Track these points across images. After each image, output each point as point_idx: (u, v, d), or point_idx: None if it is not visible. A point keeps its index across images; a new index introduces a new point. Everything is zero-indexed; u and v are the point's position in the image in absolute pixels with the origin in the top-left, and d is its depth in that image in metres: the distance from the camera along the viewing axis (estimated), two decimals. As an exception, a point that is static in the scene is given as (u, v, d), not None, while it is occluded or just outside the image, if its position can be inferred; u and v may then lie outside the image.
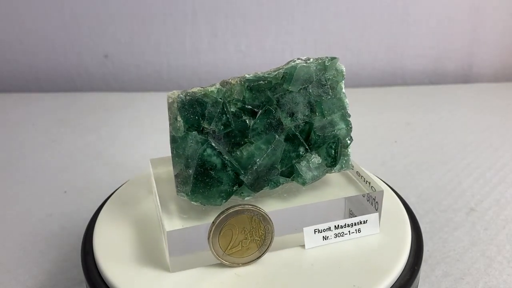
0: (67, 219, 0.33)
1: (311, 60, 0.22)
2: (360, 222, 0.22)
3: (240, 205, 0.20)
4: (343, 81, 0.23)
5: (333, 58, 0.23)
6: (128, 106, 0.56)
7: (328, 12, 0.61)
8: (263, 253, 0.21)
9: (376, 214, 0.23)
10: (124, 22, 0.61)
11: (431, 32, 0.62)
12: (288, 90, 0.22)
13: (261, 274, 0.21)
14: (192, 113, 0.21)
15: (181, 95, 0.21)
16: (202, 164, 0.20)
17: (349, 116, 0.23)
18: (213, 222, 0.20)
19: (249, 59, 0.63)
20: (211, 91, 0.21)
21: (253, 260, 0.21)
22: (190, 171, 0.21)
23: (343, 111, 0.23)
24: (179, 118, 0.21)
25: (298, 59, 0.22)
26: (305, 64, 0.22)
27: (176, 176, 0.21)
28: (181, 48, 0.62)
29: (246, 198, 0.22)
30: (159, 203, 0.22)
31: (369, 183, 0.23)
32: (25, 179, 0.39)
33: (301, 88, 0.22)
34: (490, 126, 0.48)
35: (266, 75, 0.21)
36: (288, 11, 0.61)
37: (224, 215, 0.20)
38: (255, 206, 0.20)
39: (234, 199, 0.22)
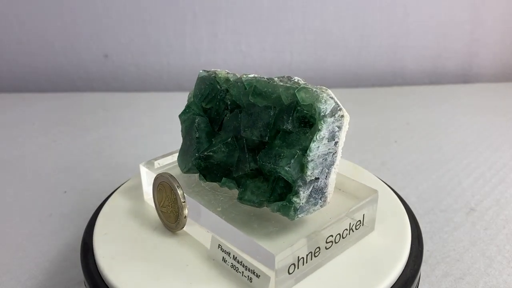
0: (67, 219, 0.33)
1: (303, 85, 0.20)
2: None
3: (167, 175, 0.23)
4: (323, 125, 0.18)
5: (314, 91, 0.19)
6: (128, 106, 0.56)
7: (328, 12, 0.61)
8: (177, 230, 0.23)
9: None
10: (124, 22, 0.61)
11: (431, 32, 0.62)
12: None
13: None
14: (199, 88, 0.23)
15: (203, 71, 0.23)
16: (189, 130, 0.23)
17: (308, 168, 0.19)
18: (156, 176, 0.23)
19: (249, 59, 0.63)
20: (223, 78, 0.22)
21: (175, 230, 0.23)
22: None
23: (299, 153, 0.19)
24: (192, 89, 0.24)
25: (297, 81, 0.20)
26: (287, 85, 0.20)
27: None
28: (181, 48, 0.62)
29: (233, 189, 0.22)
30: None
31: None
32: (25, 179, 0.39)
33: (269, 107, 0.20)
34: (490, 126, 0.48)
35: (270, 90, 0.20)
36: (288, 11, 0.61)
37: (159, 173, 0.23)
38: (174, 183, 0.22)
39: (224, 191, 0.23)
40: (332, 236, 0.21)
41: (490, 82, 0.65)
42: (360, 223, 0.22)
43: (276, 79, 0.21)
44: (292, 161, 0.19)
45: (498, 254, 0.29)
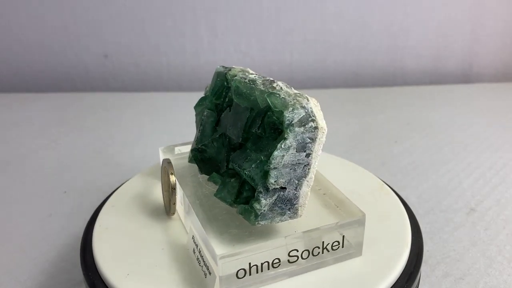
0: (67, 219, 0.33)
1: (277, 91, 0.19)
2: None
3: (166, 160, 0.24)
4: (289, 134, 0.18)
5: (282, 98, 0.18)
6: (128, 106, 0.56)
7: (328, 12, 0.61)
8: (170, 215, 0.24)
9: None
10: (124, 22, 0.61)
11: (431, 32, 0.62)
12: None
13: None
14: (213, 83, 0.23)
15: (221, 66, 0.23)
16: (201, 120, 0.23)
17: (271, 175, 0.18)
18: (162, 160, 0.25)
19: (249, 59, 0.63)
20: (232, 75, 0.22)
21: (168, 214, 0.24)
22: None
23: (263, 159, 0.19)
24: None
25: (278, 85, 0.20)
26: (261, 88, 0.19)
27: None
28: (181, 48, 0.62)
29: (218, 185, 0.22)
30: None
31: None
32: (25, 179, 0.39)
33: (248, 108, 0.20)
34: (490, 126, 0.48)
35: (249, 92, 0.20)
36: (288, 11, 0.61)
37: (165, 158, 0.25)
38: (169, 170, 0.23)
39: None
40: (297, 250, 0.20)
41: (490, 82, 0.65)
42: (339, 244, 0.21)
43: (260, 81, 0.20)
44: (253, 165, 0.19)
45: (498, 254, 0.28)
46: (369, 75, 0.64)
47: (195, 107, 0.24)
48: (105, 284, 0.21)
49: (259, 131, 0.19)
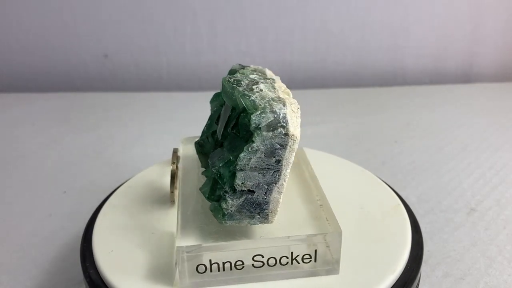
0: (67, 219, 0.33)
1: (261, 94, 0.19)
2: None
3: (174, 150, 0.26)
4: (256, 138, 0.18)
5: (251, 101, 0.18)
6: (128, 106, 0.56)
7: (328, 12, 0.61)
8: (171, 202, 0.25)
9: None
10: (124, 22, 0.61)
11: (432, 32, 0.62)
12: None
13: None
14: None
15: (237, 64, 0.23)
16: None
17: (237, 177, 0.18)
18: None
19: (249, 59, 0.63)
20: (244, 74, 0.22)
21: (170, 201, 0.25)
22: None
23: (231, 159, 0.19)
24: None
25: (261, 82, 0.20)
26: (239, 89, 0.19)
27: None
28: (181, 48, 0.62)
29: None
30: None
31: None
32: (25, 179, 0.39)
33: (230, 107, 0.20)
34: (490, 126, 0.48)
35: (231, 91, 0.20)
36: (288, 10, 0.61)
37: (175, 148, 0.27)
38: (173, 158, 0.25)
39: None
40: (262, 256, 0.20)
41: (491, 82, 0.65)
42: (310, 257, 0.20)
43: (246, 81, 0.20)
44: (221, 164, 0.19)
45: (498, 254, 0.28)
46: (369, 75, 0.64)
47: (210, 102, 0.24)
48: (105, 284, 0.21)
49: (233, 131, 0.19)
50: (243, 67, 0.23)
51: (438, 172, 0.39)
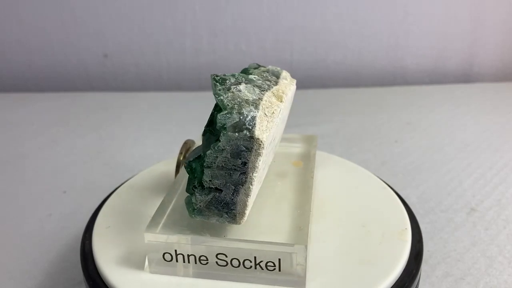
0: (67, 219, 0.33)
1: (236, 94, 0.19)
2: None
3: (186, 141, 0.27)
4: (222, 137, 0.18)
5: (221, 101, 0.19)
6: (128, 106, 0.56)
7: (328, 12, 0.61)
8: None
9: None
10: (124, 22, 0.61)
11: (432, 32, 0.62)
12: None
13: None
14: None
15: (253, 63, 0.24)
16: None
17: (205, 173, 0.19)
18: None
19: (249, 59, 0.63)
20: (248, 73, 0.22)
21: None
22: None
23: (201, 155, 0.19)
24: None
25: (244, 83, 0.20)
26: (218, 87, 0.19)
27: None
28: (181, 48, 0.62)
29: None
30: None
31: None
32: (25, 179, 0.39)
33: (216, 104, 0.20)
34: (490, 126, 0.48)
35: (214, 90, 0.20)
36: (288, 10, 0.61)
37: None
38: (181, 149, 0.25)
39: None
40: (225, 255, 0.20)
41: (491, 82, 0.65)
42: (275, 266, 0.19)
43: (232, 81, 0.20)
44: (191, 158, 0.19)
45: (498, 254, 0.28)
46: (369, 75, 0.64)
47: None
48: (105, 284, 0.21)
49: (209, 128, 0.19)
50: (258, 67, 0.23)
51: (438, 172, 0.39)
